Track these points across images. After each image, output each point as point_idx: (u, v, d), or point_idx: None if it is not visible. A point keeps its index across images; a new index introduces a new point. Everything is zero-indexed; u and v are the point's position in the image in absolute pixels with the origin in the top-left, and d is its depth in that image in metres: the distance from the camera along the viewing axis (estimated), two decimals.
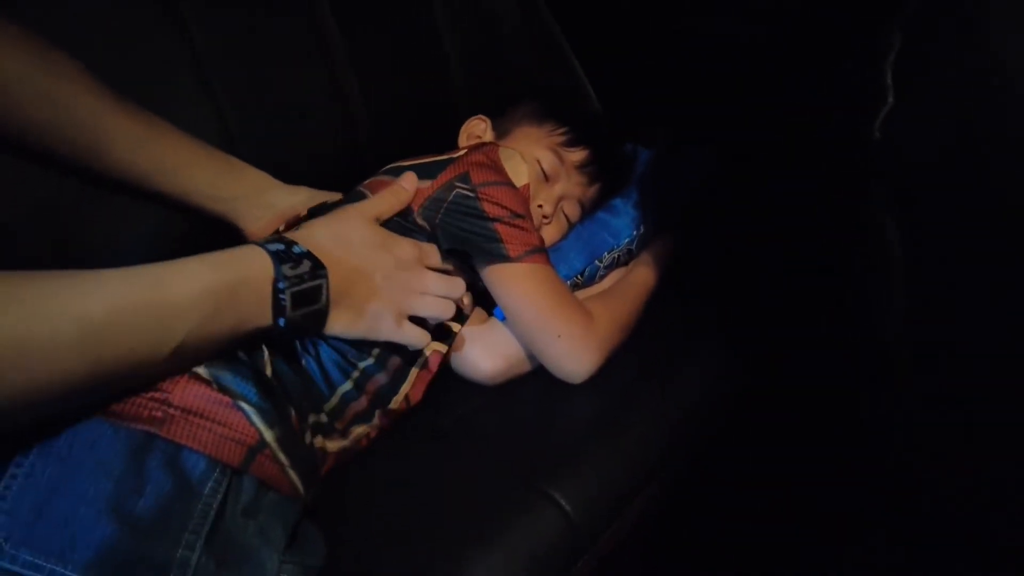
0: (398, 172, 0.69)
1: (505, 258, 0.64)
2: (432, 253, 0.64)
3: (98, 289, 0.42)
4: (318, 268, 0.53)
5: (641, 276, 0.76)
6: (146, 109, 0.64)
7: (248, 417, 0.47)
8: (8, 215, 0.62)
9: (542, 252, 0.66)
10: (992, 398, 0.41)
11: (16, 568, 0.39)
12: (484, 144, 0.76)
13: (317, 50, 0.81)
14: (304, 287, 0.51)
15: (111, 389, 0.44)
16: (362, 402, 0.61)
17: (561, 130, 0.78)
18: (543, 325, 0.65)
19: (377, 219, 0.62)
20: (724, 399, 0.73)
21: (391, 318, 0.58)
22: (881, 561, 0.55)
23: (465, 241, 0.64)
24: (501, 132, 0.81)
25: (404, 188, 0.65)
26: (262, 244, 0.52)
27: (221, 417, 0.46)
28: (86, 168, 0.61)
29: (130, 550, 0.41)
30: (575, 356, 0.66)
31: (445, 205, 0.65)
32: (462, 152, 0.69)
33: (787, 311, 0.77)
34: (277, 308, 0.50)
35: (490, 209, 0.64)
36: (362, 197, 0.66)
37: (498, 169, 0.69)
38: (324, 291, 0.53)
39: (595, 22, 0.96)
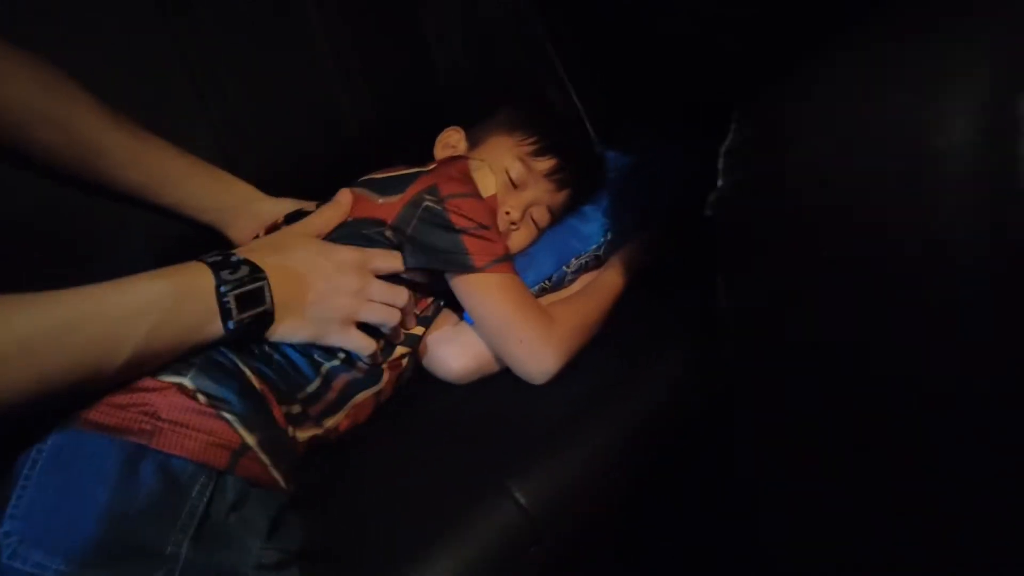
0: (373, 184, 0.73)
1: (471, 268, 0.68)
2: (376, 257, 0.66)
3: (41, 309, 0.46)
4: (256, 271, 0.57)
5: (608, 280, 0.79)
6: (141, 125, 0.68)
7: (231, 425, 0.53)
8: (12, 213, 0.67)
9: (507, 261, 0.70)
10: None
11: (28, 568, 0.45)
12: (455, 158, 0.79)
13: (306, 59, 0.85)
14: (245, 289, 0.55)
15: (67, 396, 0.48)
16: (331, 396, 0.65)
17: (530, 140, 0.81)
18: (506, 330, 0.69)
19: (318, 234, 0.66)
20: (686, 401, 0.76)
21: (336, 323, 0.62)
22: None
23: (432, 256, 0.68)
24: (474, 142, 0.84)
25: (340, 203, 0.70)
26: (201, 258, 0.56)
27: (206, 427, 0.52)
28: (84, 180, 0.67)
29: (126, 547, 0.47)
30: (535, 359, 0.70)
31: (415, 219, 0.69)
32: (432, 166, 0.73)
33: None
34: (224, 312, 0.55)
35: (457, 220, 0.68)
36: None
37: (466, 180, 0.73)
38: (266, 292, 0.57)
39: (580, 27, 0.97)
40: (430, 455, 0.69)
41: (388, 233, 0.69)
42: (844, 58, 0.45)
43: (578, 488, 0.68)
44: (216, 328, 0.55)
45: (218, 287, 0.54)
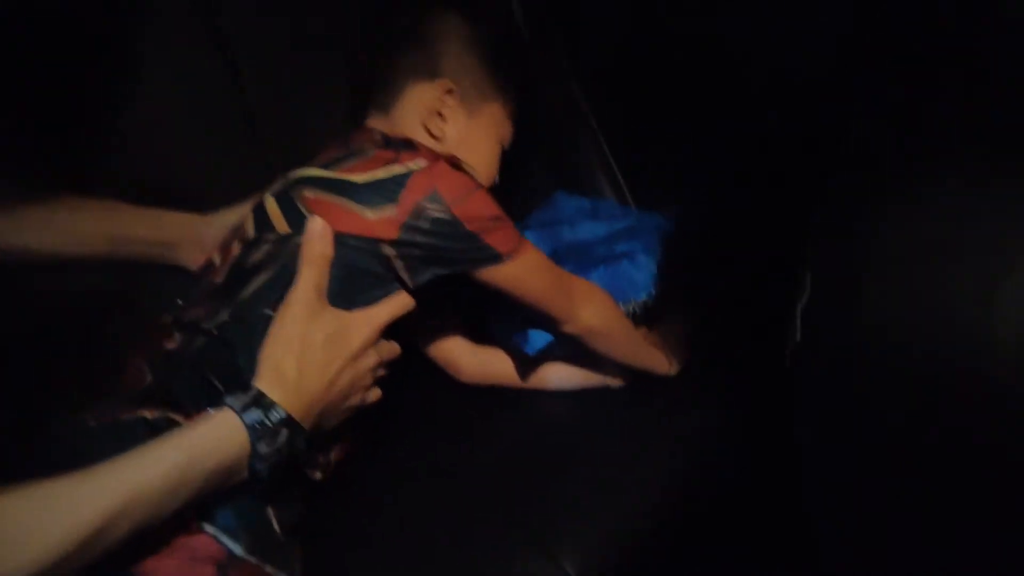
0: (343, 188, 0.63)
1: (498, 260, 0.65)
2: (384, 314, 0.61)
3: (82, 503, 0.43)
4: (296, 434, 0.53)
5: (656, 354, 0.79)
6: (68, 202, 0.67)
7: (216, 539, 0.50)
8: None
9: (523, 239, 0.67)
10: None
11: None
12: (442, 157, 0.67)
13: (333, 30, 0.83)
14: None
15: None
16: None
17: (515, 98, 0.77)
18: (557, 305, 0.69)
19: (321, 292, 0.59)
20: (720, 461, 0.76)
21: (353, 407, 0.61)
22: None
23: (452, 264, 0.64)
24: (470, 111, 0.74)
25: (319, 249, 0.60)
26: (240, 411, 0.51)
27: (186, 542, 0.49)
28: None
29: None
30: (583, 306, 0.71)
31: (420, 235, 0.62)
32: (420, 164, 0.63)
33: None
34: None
35: (471, 225, 0.63)
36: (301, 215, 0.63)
37: (463, 173, 0.65)
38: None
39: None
40: (460, 507, 0.68)
41: (397, 263, 0.63)
42: (911, 219, 0.47)
43: (626, 554, 0.67)
44: (239, 480, 0.52)
45: (253, 461, 0.51)
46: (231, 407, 0.52)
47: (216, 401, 0.53)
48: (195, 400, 0.57)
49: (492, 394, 0.80)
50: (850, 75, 0.60)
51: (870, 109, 0.54)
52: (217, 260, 0.66)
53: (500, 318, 0.79)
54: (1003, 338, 0.40)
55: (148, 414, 0.55)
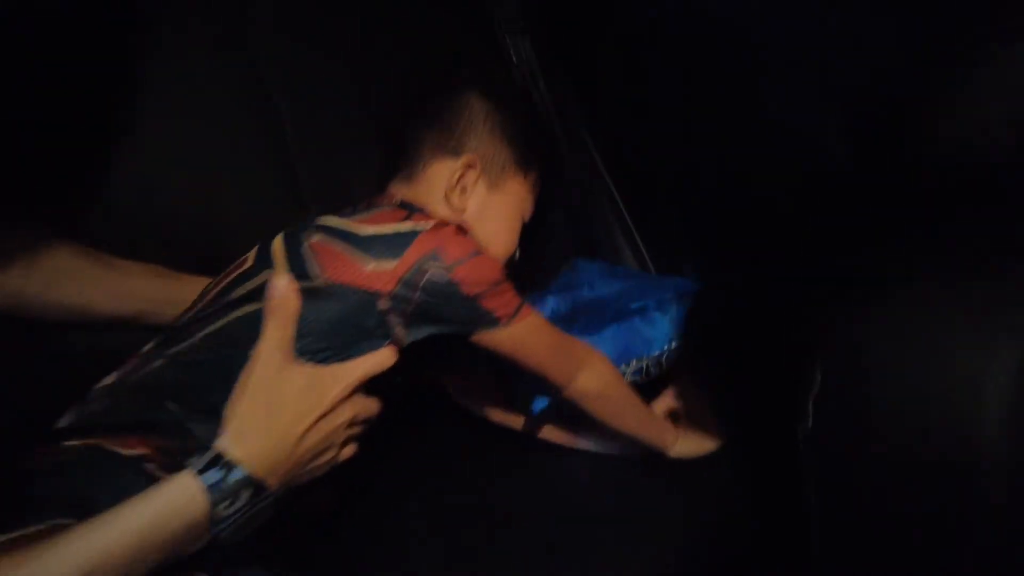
0: (350, 238, 0.65)
1: (495, 324, 0.65)
2: (359, 369, 0.61)
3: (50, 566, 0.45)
4: (258, 493, 0.53)
5: (663, 432, 0.79)
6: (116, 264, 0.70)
7: None
8: None
9: (523, 303, 0.68)
10: None
11: None
12: (451, 222, 0.70)
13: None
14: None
15: None
16: None
17: (539, 173, 0.81)
18: (556, 369, 0.70)
19: (287, 349, 0.58)
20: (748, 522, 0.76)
21: (312, 475, 0.60)
22: None
23: (448, 325, 0.65)
24: (491, 184, 0.77)
25: (279, 303, 0.59)
26: (198, 471, 0.51)
27: None
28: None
29: None
30: (586, 368, 0.72)
31: (418, 291, 0.63)
32: (428, 225, 0.65)
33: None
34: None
35: (470, 289, 0.63)
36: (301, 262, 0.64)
37: (467, 236, 0.67)
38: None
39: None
40: (467, 556, 0.70)
41: (392, 317, 0.63)
42: (913, 309, 0.52)
43: None
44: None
45: (213, 524, 0.52)
46: (190, 468, 0.52)
47: (156, 418, 0.56)
48: (123, 419, 0.58)
49: (512, 443, 0.82)
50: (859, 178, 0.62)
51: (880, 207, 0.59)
52: (211, 287, 0.68)
53: (505, 376, 0.81)
54: (990, 422, 0.45)
55: (74, 443, 0.57)
